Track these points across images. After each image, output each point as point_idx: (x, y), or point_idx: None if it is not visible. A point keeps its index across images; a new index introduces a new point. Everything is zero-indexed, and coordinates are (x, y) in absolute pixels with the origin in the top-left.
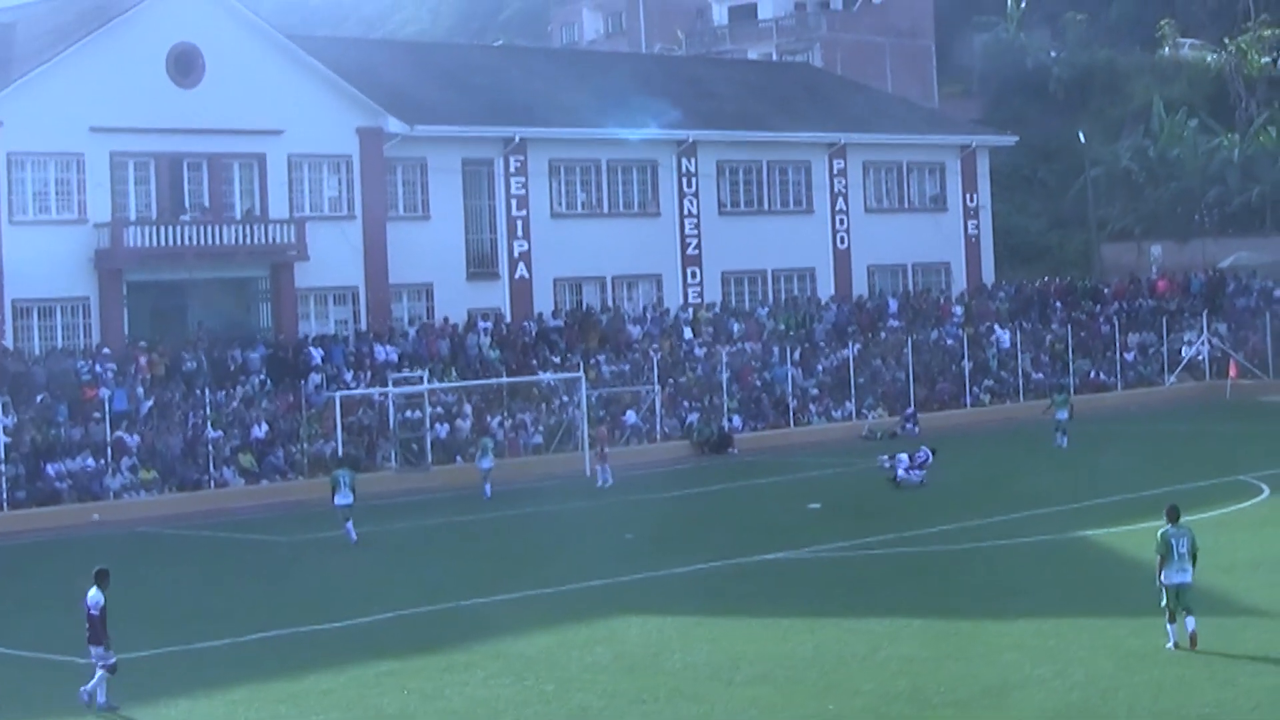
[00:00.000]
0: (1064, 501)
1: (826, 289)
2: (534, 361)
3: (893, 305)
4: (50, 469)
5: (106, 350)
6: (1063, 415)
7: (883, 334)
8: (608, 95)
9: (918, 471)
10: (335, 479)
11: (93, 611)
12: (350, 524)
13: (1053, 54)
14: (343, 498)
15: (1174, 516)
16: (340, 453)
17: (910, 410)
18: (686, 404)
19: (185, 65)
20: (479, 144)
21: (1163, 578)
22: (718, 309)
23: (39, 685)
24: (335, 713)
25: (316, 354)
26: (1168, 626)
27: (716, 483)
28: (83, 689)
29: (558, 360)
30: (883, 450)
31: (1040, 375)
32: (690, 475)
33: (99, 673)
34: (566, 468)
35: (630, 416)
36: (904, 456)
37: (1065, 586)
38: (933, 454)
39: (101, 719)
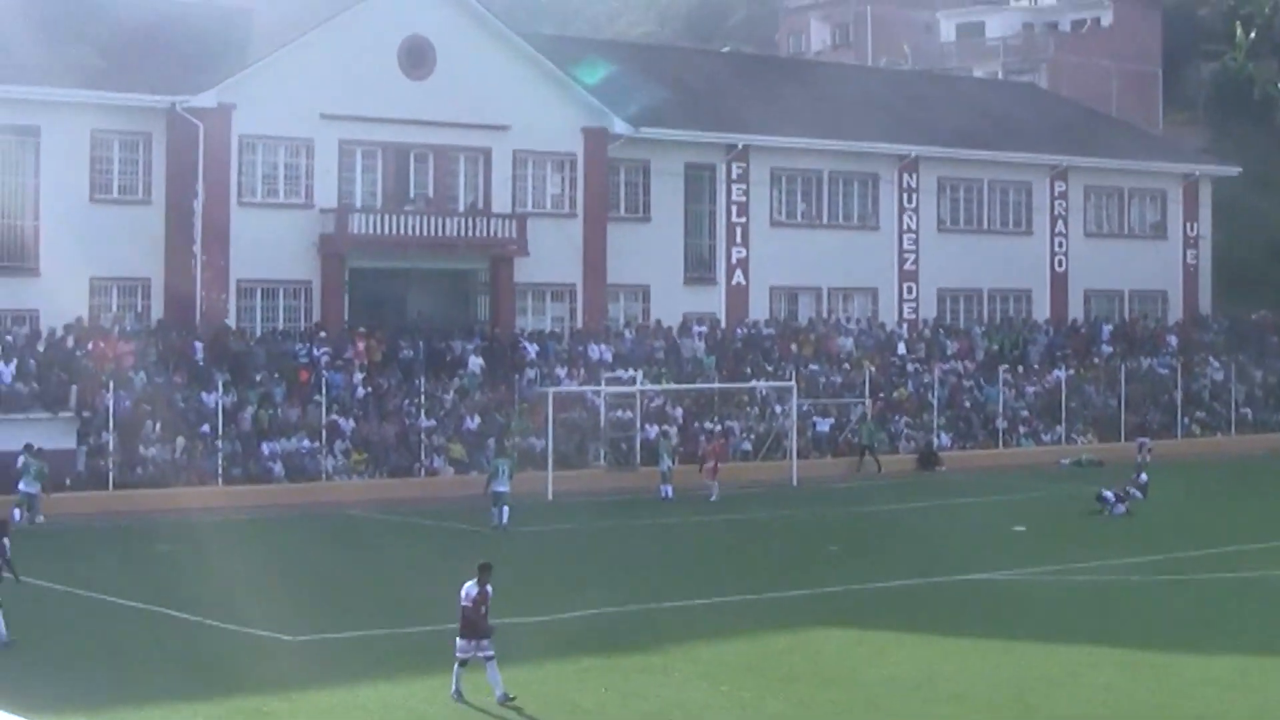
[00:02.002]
0: (1270, 538)
1: (1042, 311)
2: (746, 369)
3: (1106, 331)
4: (266, 448)
5: (325, 334)
6: None
7: (1095, 360)
8: (832, 107)
9: (1135, 492)
10: (495, 467)
11: (465, 603)
12: (501, 509)
13: None
14: (499, 485)
15: None
16: (551, 447)
17: (1144, 441)
18: (897, 419)
19: (416, 57)
20: (702, 149)
21: None
22: (932, 326)
23: (249, 659)
24: (532, 706)
25: (531, 349)
26: None
27: (921, 499)
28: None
29: (770, 368)
30: (1092, 479)
31: (1248, 410)
32: (894, 491)
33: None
34: (774, 475)
35: (821, 424)
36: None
37: (1269, 624)
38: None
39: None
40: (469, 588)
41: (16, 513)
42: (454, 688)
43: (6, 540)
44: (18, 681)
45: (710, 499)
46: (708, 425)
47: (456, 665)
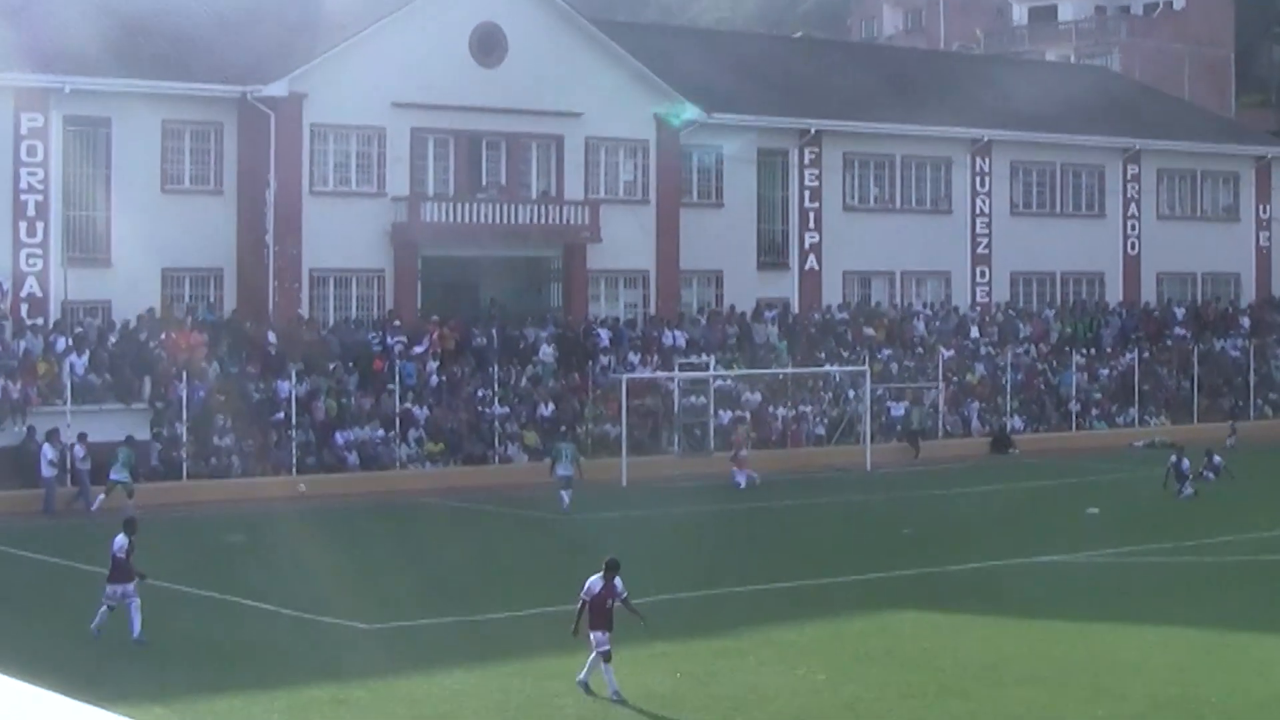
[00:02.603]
0: None
1: (1115, 294)
2: (820, 353)
3: (1179, 314)
4: (339, 437)
5: (398, 322)
6: None
7: (1168, 342)
8: (904, 91)
9: (1209, 474)
10: (558, 451)
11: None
12: (565, 493)
13: None
14: (564, 469)
15: None
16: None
17: (1232, 427)
18: (970, 402)
19: (488, 45)
20: (774, 134)
21: None
22: (1005, 309)
23: (325, 648)
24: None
25: (605, 336)
26: None
27: (997, 482)
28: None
29: (843, 353)
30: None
31: None
32: (967, 474)
33: None
34: (847, 460)
35: (895, 409)
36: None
37: None
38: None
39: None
40: (592, 582)
41: (100, 498)
42: (611, 687)
43: (133, 538)
44: (94, 673)
45: (740, 488)
46: (736, 412)
47: (604, 664)
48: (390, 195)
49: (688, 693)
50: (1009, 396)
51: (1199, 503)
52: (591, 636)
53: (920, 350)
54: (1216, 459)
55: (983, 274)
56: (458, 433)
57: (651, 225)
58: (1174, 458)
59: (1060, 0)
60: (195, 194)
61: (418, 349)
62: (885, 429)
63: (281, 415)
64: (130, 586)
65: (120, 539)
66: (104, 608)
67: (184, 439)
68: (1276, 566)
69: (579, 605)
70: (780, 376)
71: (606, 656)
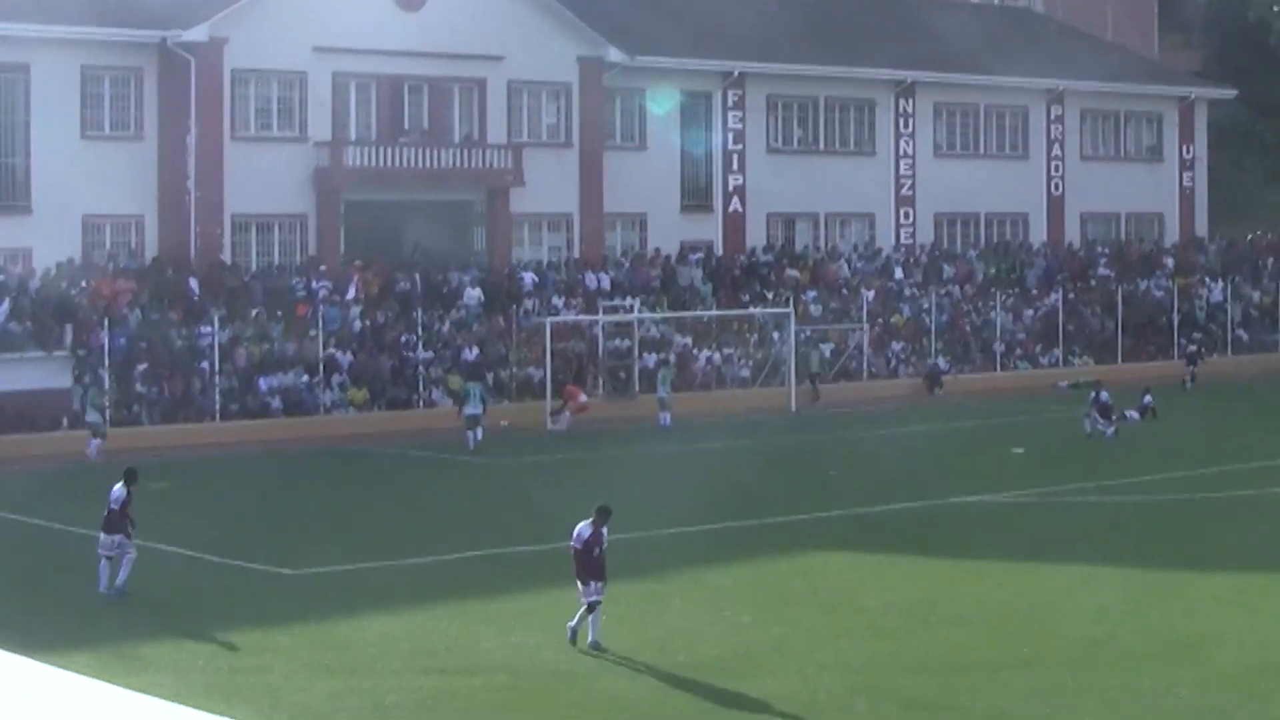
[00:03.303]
0: (1270, 457)
1: (1039, 235)
2: (744, 296)
3: (1102, 254)
4: (263, 383)
5: (323, 267)
6: None
7: (1092, 283)
8: (828, 33)
9: (1133, 414)
10: (466, 390)
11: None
12: (471, 432)
13: (1275, 8)
14: (472, 408)
15: None
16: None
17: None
18: (894, 344)
19: None
20: (698, 76)
21: None
22: (929, 250)
23: (249, 594)
24: (534, 633)
25: (529, 279)
26: None
27: (922, 424)
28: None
29: (768, 295)
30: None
31: (1238, 331)
32: (893, 415)
33: None
34: (772, 402)
35: (823, 351)
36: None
37: (1267, 543)
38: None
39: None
40: (581, 529)
41: (95, 445)
42: (591, 637)
43: (133, 489)
44: (20, 621)
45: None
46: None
47: (589, 614)
48: (312, 140)
49: (614, 635)
50: (934, 338)
51: (1125, 442)
52: (578, 586)
53: (845, 292)
54: (1147, 399)
55: (907, 215)
56: (382, 378)
57: (575, 169)
58: (1094, 393)
59: None
60: (115, 140)
61: (348, 297)
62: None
63: (205, 363)
64: (123, 538)
65: (118, 489)
66: (102, 562)
67: (106, 386)
68: (1201, 506)
69: (572, 552)
70: (705, 319)
71: (591, 607)
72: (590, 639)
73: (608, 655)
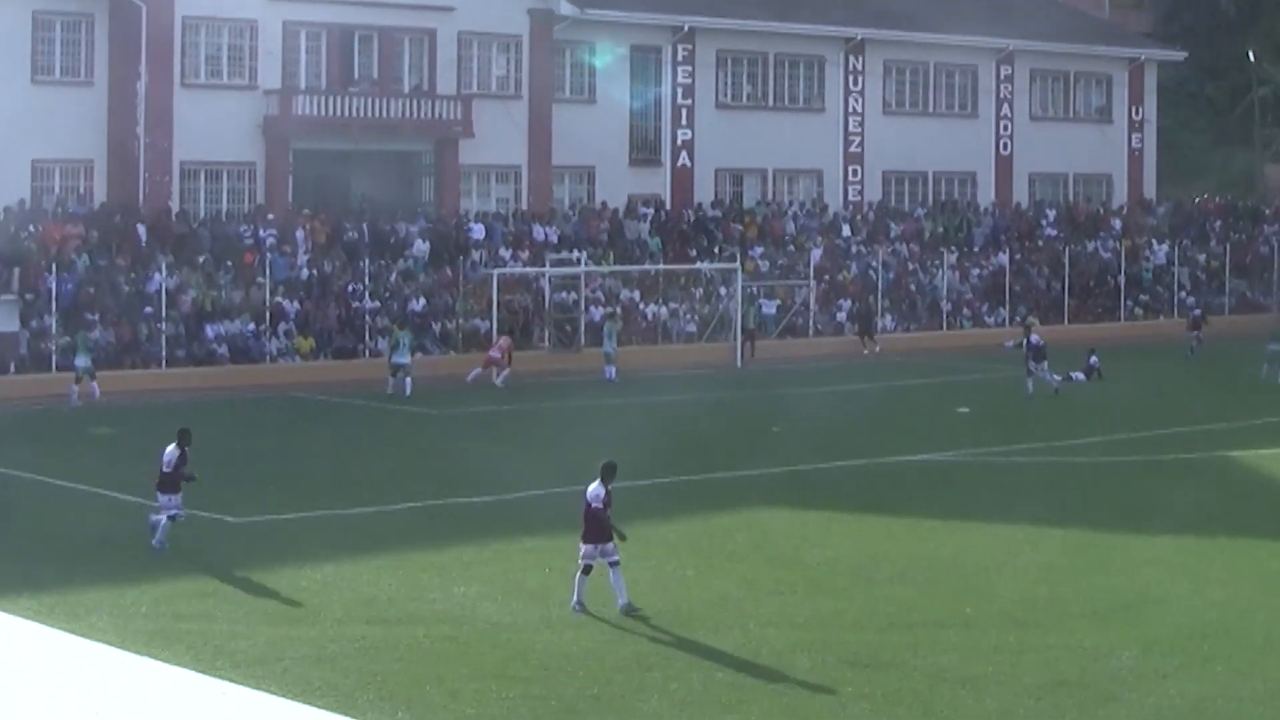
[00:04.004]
0: (1213, 420)
1: (987, 194)
2: (691, 251)
3: (1050, 215)
4: (209, 330)
5: (270, 216)
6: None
7: (1039, 243)
8: None
9: (1079, 375)
10: (396, 339)
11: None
12: (402, 380)
13: None
14: (400, 357)
15: None
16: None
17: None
18: (841, 301)
19: None
20: (648, 31)
21: None
22: (876, 208)
23: (194, 541)
24: (477, 585)
25: (477, 231)
26: None
27: (865, 381)
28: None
29: (715, 250)
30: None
31: (1184, 293)
32: (838, 372)
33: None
34: (718, 357)
35: (767, 306)
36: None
37: (1209, 506)
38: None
39: None
40: (594, 489)
41: (76, 391)
42: (575, 598)
43: (186, 450)
44: None
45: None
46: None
47: (579, 573)
48: (262, 88)
49: (557, 587)
50: (880, 295)
51: (1070, 402)
52: (582, 548)
53: (792, 248)
54: (1093, 359)
55: (855, 173)
56: (328, 327)
57: (524, 120)
58: (1025, 339)
59: None
60: (66, 85)
61: (299, 252)
62: (757, 326)
63: (151, 309)
64: (179, 498)
65: (171, 450)
66: (163, 519)
67: (53, 331)
68: (1144, 467)
69: (585, 513)
70: (652, 273)
71: (613, 565)
72: (622, 601)
73: (641, 613)
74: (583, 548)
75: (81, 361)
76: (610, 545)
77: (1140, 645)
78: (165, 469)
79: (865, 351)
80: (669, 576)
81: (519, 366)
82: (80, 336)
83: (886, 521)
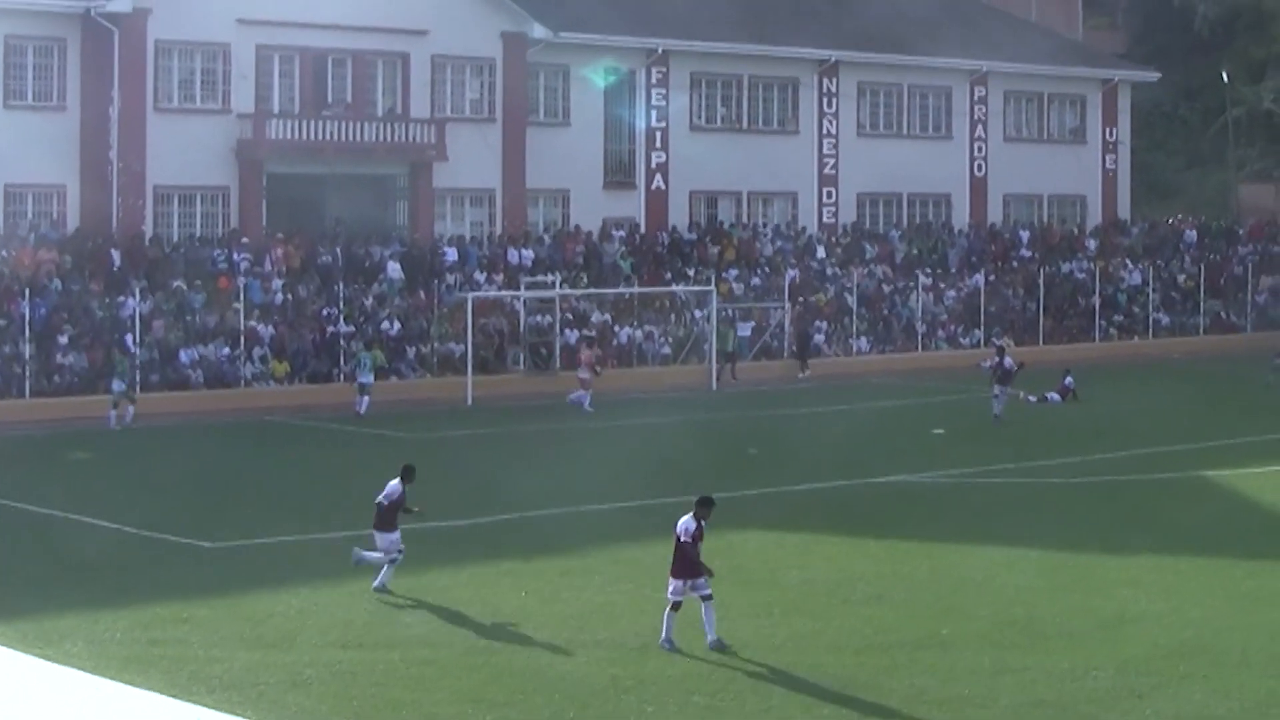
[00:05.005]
0: (1188, 440)
1: (961, 216)
2: (666, 273)
3: (1024, 236)
4: (183, 355)
5: (245, 240)
6: None
7: (1014, 264)
8: (752, 11)
9: (1054, 395)
10: (359, 359)
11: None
12: (362, 399)
13: None
14: (364, 376)
15: None
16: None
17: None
18: (817, 323)
19: None
20: (622, 54)
21: None
22: (851, 230)
23: (168, 566)
24: (453, 609)
25: (451, 254)
26: None
27: (841, 403)
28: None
29: (690, 273)
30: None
31: (1158, 314)
32: (813, 394)
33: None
34: (693, 380)
35: (742, 329)
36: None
37: (1184, 525)
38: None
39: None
40: (685, 522)
41: (114, 415)
42: (664, 634)
43: (407, 488)
44: None
45: (584, 406)
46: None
47: (669, 609)
48: (235, 112)
49: (534, 610)
50: (855, 317)
51: (1045, 424)
52: (671, 583)
53: (767, 270)
54: (1068, 380)
55: (829, 195)
56: (303, 351)
57: (498, 144)
58: (995, 358)
59: None
60: (38, 110)
61: (265, 268)
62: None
63: (129, 336)
64: (398, 536)
65: (394, 484)
66: (381, 559)
67: (27, 356)
68: (1120, 488)
69: (676, 546)
70: (626, 296)
71: (706, 599)
72: (712, 638)
73: (730, 649)
74: (672, 583)
75: (118, 385)
76: (701, 580)
77: (1117, 665)
78: (383, 502)
79: (800, 375)
80: (645, 600)
81: (494, 390)
82: (119, 361)
83: (863, 543)
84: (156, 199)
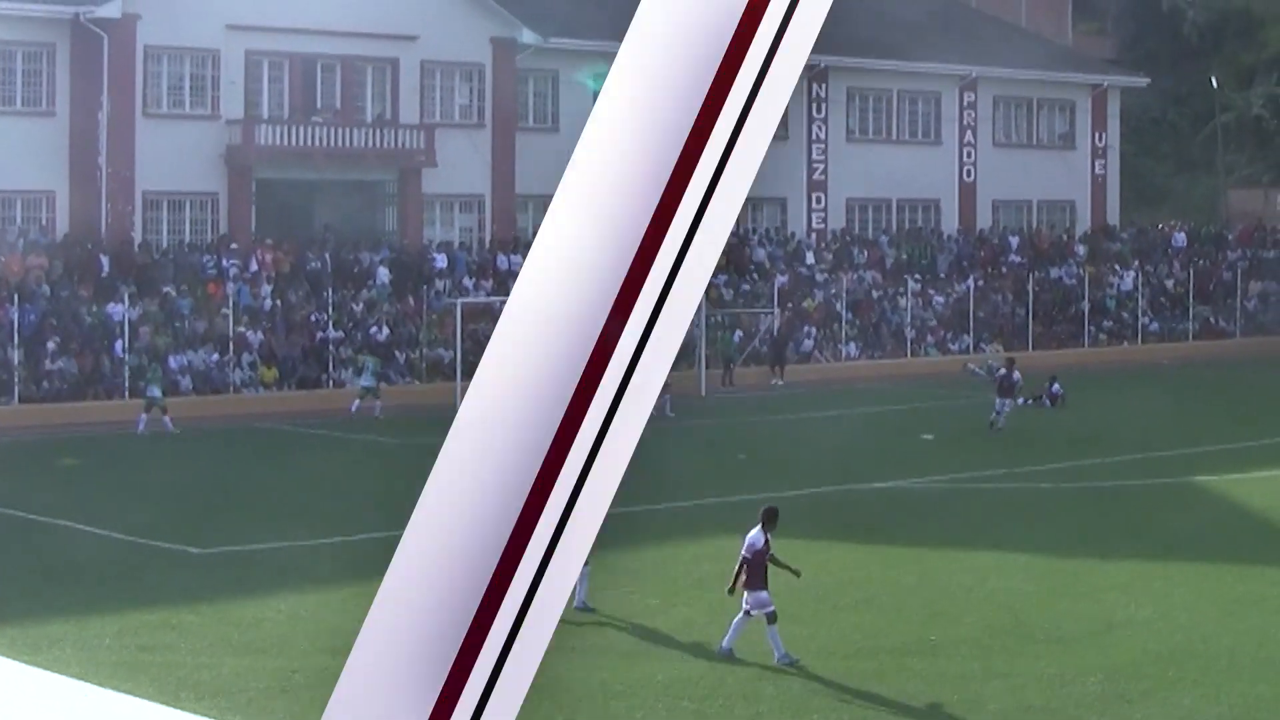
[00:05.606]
0: (1177, 446)
1: (951, 221)
2: None
3: (1014, 241)
4: (172, 361)
5: (234, 246)
6: None
7: (1003, 269)
8: None
9: (1045, 400)
10: (362, 364)
11: (746, 554)
12: (358, 403)
13: None
14: (366, 381)
15: None
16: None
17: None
18: (806, 329)
19: None
20: (611, 60)
21: None
22: (840, 236)
23: (156, 572)
24: None
25: (440, 260)
26: None
27: (830, 408)
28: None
29: None
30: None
31: (1147, 319)
32: (803, 400)
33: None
34: (681, 386)
35: (735, 336)
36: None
37: (1174, 530)
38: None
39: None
40: (754, 535)
41: (145, 419)
42: (779, 651)
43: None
44: None
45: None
46: None
47: (768, 625)
48: (224, 118)
49: None
50: (844, 323)
51: (1030, 429)
52: (745, 595)
53: (756, 276)
54: (1055, 387)
55: (819, 200)
56: (292, 357)
57: (487, 149)
58: (1002, 369)
59: None
60: (27, 116)
61: (250, 272)
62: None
63: (118, 341)
64: (768, 594)
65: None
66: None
67: (16, 362)
68: (1109, 494)
69: (739, 563)
70: None
71: (771, 617)
72: (781, 654)
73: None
74: (748, 596)
75: (154, 392)
76: (764, 594)
77: (1106, 671)
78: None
79: (773, 381)
80: (634, 606)
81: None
82: (153, 369)
83: (852, 548)
84: (146, 205)
